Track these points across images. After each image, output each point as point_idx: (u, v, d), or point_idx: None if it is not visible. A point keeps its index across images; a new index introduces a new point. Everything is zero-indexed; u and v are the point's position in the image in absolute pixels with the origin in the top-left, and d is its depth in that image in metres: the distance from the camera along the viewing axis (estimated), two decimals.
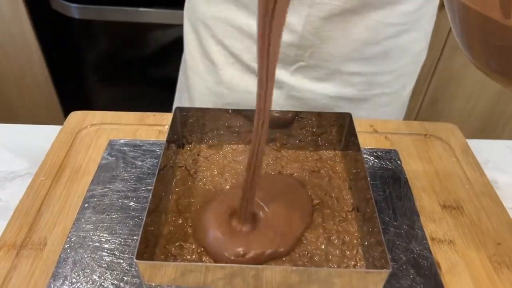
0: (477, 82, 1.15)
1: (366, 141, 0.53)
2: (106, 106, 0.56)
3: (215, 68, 0.60)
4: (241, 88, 0.60)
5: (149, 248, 0.35)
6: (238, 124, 0.47)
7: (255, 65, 0.57)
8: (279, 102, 0.59)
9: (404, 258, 0.40)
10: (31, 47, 1.11)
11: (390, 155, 0.50)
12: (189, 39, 0.64)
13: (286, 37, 0.52)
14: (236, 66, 0.59)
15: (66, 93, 1.21)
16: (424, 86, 1.17)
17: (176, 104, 0.74)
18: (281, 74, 0.57)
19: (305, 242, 0.38)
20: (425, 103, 1.20)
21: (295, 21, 0.51)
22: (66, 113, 0.56)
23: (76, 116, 0.55)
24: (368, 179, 0.38)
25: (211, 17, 0.57)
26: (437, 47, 1.09)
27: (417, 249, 0.40)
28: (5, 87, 1.18)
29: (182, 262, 0.31)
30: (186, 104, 0.68)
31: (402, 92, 0.64)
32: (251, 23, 0.54)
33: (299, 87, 0.58)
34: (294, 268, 0.31)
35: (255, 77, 0.57)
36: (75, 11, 1.04)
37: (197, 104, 0.64)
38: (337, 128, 0.47)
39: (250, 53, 0.57)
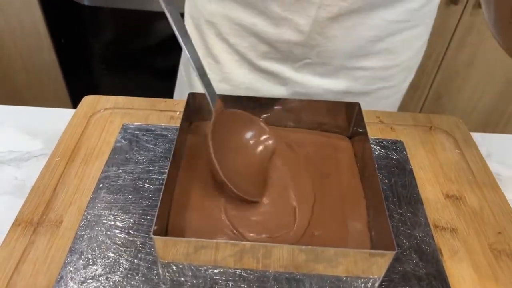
0: (481, 78, 1.16)
1: (372, 132, 0.54)
2: (113, 93, 0.58)
3: (219, 66, 0.61)
4: (246, 84, 0.60)
5: (163, 226, 0.37)
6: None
7: (260, 62, 0.58)
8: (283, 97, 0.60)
9: (407, 243, 0.41)
10: (40, 33, 1.12)
11: (395, 146, 0.52)
12: (191, 35, 0.64)
13: (293, 36, 0.53)
14: (241, 64, 0.59)
15: (73, 79, 1.22)
16: (428, 81, 1.18)
17: (176, 97, 0.74)
18: (285, 70, 0.58)
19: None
20: (430, 98, 1.21)
21: (303, 21, 0.52)
22: (73, 99, 0.58)
23: (89, 100, 0.56)
24: (375, 165, 0.39)
25: (216, 15, 0.58)
26: (442, 44, 1.10)
27: (420, 235, 0.42)
28: (14, 72, 1.19)
29: (196, 238, 0.33)
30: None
31: (402, 85, 0.66)
32: (257, 22, 0.54)
33: (304, 83, 0.59)
34: (303, 247, 0.32)
35: (260, 73, 0.59)
36: None
37: None
38: (346, 116, 0.48)
39: (255, 50, 0.57)
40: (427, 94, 1.21)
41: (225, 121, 0.43)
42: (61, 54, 1.16)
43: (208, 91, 0.42)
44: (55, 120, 0.55)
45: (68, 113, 0.55)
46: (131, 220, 0.41)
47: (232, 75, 0.60)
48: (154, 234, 0.32)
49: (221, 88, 0.62)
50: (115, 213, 0.42)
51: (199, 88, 0.65)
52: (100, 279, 0.36)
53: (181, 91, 0.72)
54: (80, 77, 1.22)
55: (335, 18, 0.51)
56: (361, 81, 0.60)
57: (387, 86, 0.62)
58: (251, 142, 0.45)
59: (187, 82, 0.68)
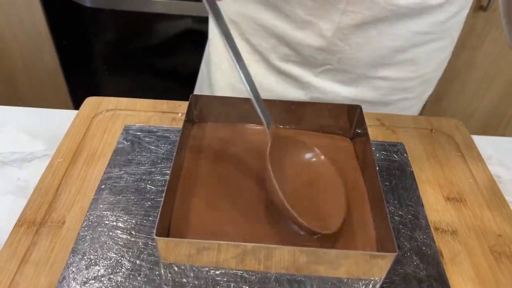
0: (482, 80, 1.16)
1: (373, 134, 0.54)
2: (114, 94, 0.58)
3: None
4: (264, 86, 0.60)
5: (166, 227, 0.37)
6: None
7: (280, 64, 0.58)
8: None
9: (408, 245, 0.41)
10: (42, 34, 1.12)
11: (396, 148, 0.52)
12: (214, 34, 0.64)
13: (315, 41, 0.53)
14: (261, 64, 0.59)
15: (75, 80, 1.23)
16: None
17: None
18: (306, 75, 0.58)
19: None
20: (430, 101, 1.21)
21: (326, 26, 0.52)
22: (74, 100, 0.58)
23: (91, 101, 0.57)
24: (377, 167, 0.39)
25: (238, 14, 0.58)
26: None
27: (421, 237, 0.42)
28: (15, 73, 1.20)
29: (198, 240, 0.33)
30: None
31: (422, 96, 0.65)
32: (279, 24, 0.54)
33: (323, 89, 0.58)
34: (305, 249, 0.33)
35: (279, 75, 0.59)
36: None
37: None
38: (348, 119, 0.48)
39: (275, 52, 0.57)
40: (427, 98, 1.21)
41: (280, 145, 0.42)
42: (63, 55, 1.17)
43: (263, 115, 0.41)
44: (58, 121, 0.55)
45: (71, 114, 0.55)
46: (133, 221, 0.41)
47: (252, 75, 0.60)
48: (156, 235, 0.32)
49: (240, 88, 0.62)
50: (117, 214, 0.42)
51: (219, 87, 0.66)
52: (102, 279, 0.37)
53: (201, 90, 0.72)
54: (81, 78, 1.23)
55: (359, 25, 0.51)
56: (381, 91, 0.59)
57: (407, 98, 0.62)
58: (303, 167, 0.44)
59: (207, 81, 0.68)
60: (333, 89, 0.58)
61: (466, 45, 1.09)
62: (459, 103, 1.20)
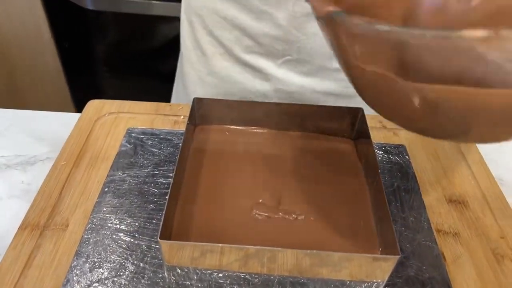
0: None
1: (375, 137, 0.54)
2: (116, 97, 0.58)
3: (206, 59, 0.61)
4: (232, 79, 0.61)
5: (169, 229, 0.37)
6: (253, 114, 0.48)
7: (244, 56, 0.58)
8: (268, 94, 0.60)
9: (410, 248, 0.41)
10: (44, 37, 1.13)
11: (398, 150, 0.52)
12: (184, 29, 0.65)
13: (273, 31, 0.54)
14: (226, 57, 0.60)
15: (77, 83, 1.23)
16: None
17: (174, 92, 0.75)
18: (269, 66, 0.58)
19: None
20: None
21: (281, 15, 0.52)
22: (76, 103, 0.58)
23: (94, 104, 0.57)
24: (379, 169, 0.40)
25: (203, 8, 0.58)
26: None
27: (423, 240, 0.42)
28: (17, 76, 1.20)
29: (202, 243, 0.33)
30: (181, 92, 0.69)
31: None
32: (239, 15, 0.55)
33: (286, 81, 0.59)
34: (308, 251, 0.33)
35: (245, 67, 0.59)
36: (88, 1, 1.06)
37: (190, 94, 0.65)
38: (349, 122, 0.48)
39: (239, 44, 0.57)
40: None
41: None
42: (65, 57, 1.17)
43: None
44: (61, 124, 0.55)
45: (74, 117, 0.56)
46: (137, 224, 0.42)
47: (218, 68, 0.61)
48: (160, 238, 0.32)
49: (209, 81, 0.62)
50: (121, 217, 0.42)
51: (191, 86, 0.65)
52: (106, 282, 0.37)
53: (177, 89, 0.73)
54: (83, 81, 1.23)
55: (311, 14, 0.51)
56: (342, 83, 0.59)
57: None
58: None
59: (183, 92, 0.69)
60: (296, 81, 0.58)
61: None
62: None
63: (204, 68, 0.62)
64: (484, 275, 0.40)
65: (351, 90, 0.60)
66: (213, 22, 0.58)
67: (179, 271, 0.36)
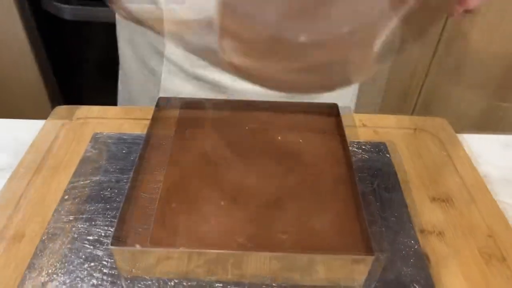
0: (470, 82, 1.14)
1: (354, 135, 0.52)
2: (96, 104, 0.55)
3: (156, 78, 0.58)
4: (185, 95, 0.57)
5: (125, 235, 0.34)
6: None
7: (196, 71, 0.55)
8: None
9: (391, 249, 0.39)
10: (22, 47, 1.10)
11: (378, 148, 0.50)
12: (125, 49, 0.62)
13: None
14: (177, 74, 0.56)
15: (56, 92, 1.21)
16: (417, 86, 1.17)
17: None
18: (222, 78, 0.55)
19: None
20: (419, 104, 1.20)
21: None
22: None
23: (60, 110, 0.54)
24: (353, 166, 0.37)
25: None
26: (430, 46, 1.09)
27: (405, 240, 0.39)
28: None
29: (160, 248, 0.30)
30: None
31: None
32: None
33: (243, 91, 0.55)
34: (274, 254, 0.30)
35: (198, 83, 0.56)
36: (66, 12, 1.04)
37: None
38: (325, 118, 0.46)
39: (189, 59, 0.54)
40: (416, 99, 1.19)
41: None
42: (43, 68, 1.15)
43: None
44: (24, 131, 0.52)
45: (39, 124, 0.53)
46: (97, 233, 0.39)
47: (171, 86, 0.57)
48: (112, 244, 0.30)
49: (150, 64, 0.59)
50: (81, 225, 0.39)
51: (140, 104, 0.62)
52: None
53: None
54: (63, 90, 1.20)
55: None
56: None
57: None
58: None
59: (128, 100, 0.66)
60: (254, 90, 0.56)
61: (453, 47, 1.08)
62: (448, 106, 1.19)
63: (155, 87, 0.59)
64: (471, 276, 0.37)
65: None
66: (159, 38, 0.55)
67: (139, 281, 0.33)
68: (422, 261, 0.38)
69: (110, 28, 0.67)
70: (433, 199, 0.45)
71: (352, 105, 0.68)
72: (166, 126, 0.43)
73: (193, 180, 0.38)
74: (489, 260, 0.39)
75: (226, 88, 0.56)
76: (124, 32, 0.60)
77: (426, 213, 0.43)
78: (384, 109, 1.22)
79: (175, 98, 0.45)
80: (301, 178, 0.41)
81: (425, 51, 1.09)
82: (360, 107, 0.71)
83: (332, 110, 0.45)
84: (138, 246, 0.31)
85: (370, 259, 0.30)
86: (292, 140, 0.46)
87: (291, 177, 0.42)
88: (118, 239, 0.31)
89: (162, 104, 0.45)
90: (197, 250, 0.30)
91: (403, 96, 1.19)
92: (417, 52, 1.08)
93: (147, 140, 0.40)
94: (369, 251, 0.30)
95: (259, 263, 0.31)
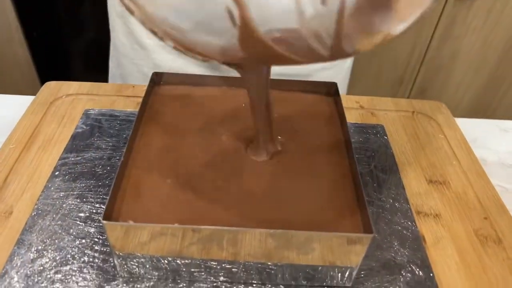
0: (466, 70, 1.14)
1: (352, 117, 0.51)
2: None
3: (146, 53, 0.58)
4: (176, 70, 0.57)
5: (118, 209, 0.33)
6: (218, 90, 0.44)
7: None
8: None
9: (388, 230, 0.38)
10: (11, 25, 1.07)
11: (376, 130, 0.49)
12: (115, 24, 0.61)
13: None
14: (168, 49, 0.56)
15: (47, 72, 1.18)
16: (412, 75, 1.16)
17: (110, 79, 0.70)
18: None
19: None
20: (414, 93, 1.19)
21: None
22: None
23: (50, 86, 0.53)
24: (352, 146, 0.36)
25: None
26: (425, 36, 1.08)
27: (402, 222, 0.39)
28: None
29: (154, 224, 0.29)
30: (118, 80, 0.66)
31: (343, 65, 0.64)
32: None
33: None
34: (271, 231, 0.29)
35: (190, 59, 0.55)
36: None
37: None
38: (323, 97, 0.45)
39: None
40: (411, 88, 1.19)
41: None
42: (34, 47, 1.12)
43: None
44: (15, 107, 0.51)
45: (28, 100, 0.51)
46: (88, 209, 0.38)
47: (161, 61, 0.57)
48: (104, 219, 0.29)
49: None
50: (71, 202, 0.38)
51: (132, 80, 0.62)
52: (49, 272, 0.33)
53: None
54: (54, 70, 1.18)
55: None
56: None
57: (326, 67, 0.61)
58: None
59: (119, 76, 0.65)
60: None
61: (450, 35, 1.08)
62: (443, 94, 1.19)
63: (145, 62, 0.58)
64: (467, 257, 0.37)
65: (308, 67, 0.57)
66: None
67: (131, 258, 0.32)
68: (418, 242, 0.37)
69: (101, 2, 0.65)
70: (430, 181, 0.44)
71: (344, 89, 0.68)
72: (160, 102, 0.42)
73: (189, 157, 0.37)
74: (485, 242, 0.39)
75: (219, 64, 0.54)
76: (116, 7, 0.59)
77: (423, 195, 0.43)
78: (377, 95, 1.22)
79: (169, 74, 0.43)
80: (298, 156, 0.40)
81: (422, 37, 1.08)
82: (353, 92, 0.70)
83: (330, 89, 0.44)
84: (131, 222, 0.30)
85: (368, 238, 0.29)
86: (289, 118, 0.45)
87: (288, 155, 0.41)
88: (111, 214, 0.30)
89: (157, 79, 0.43)
90: (192, 226, 0.29)
91: (398, 82, 1.18)
92: (413, 37, 1.08)
93: (141, 116, 0.39)
94: (367, 230, 0.30)
95: (254, 241, 0.30)
